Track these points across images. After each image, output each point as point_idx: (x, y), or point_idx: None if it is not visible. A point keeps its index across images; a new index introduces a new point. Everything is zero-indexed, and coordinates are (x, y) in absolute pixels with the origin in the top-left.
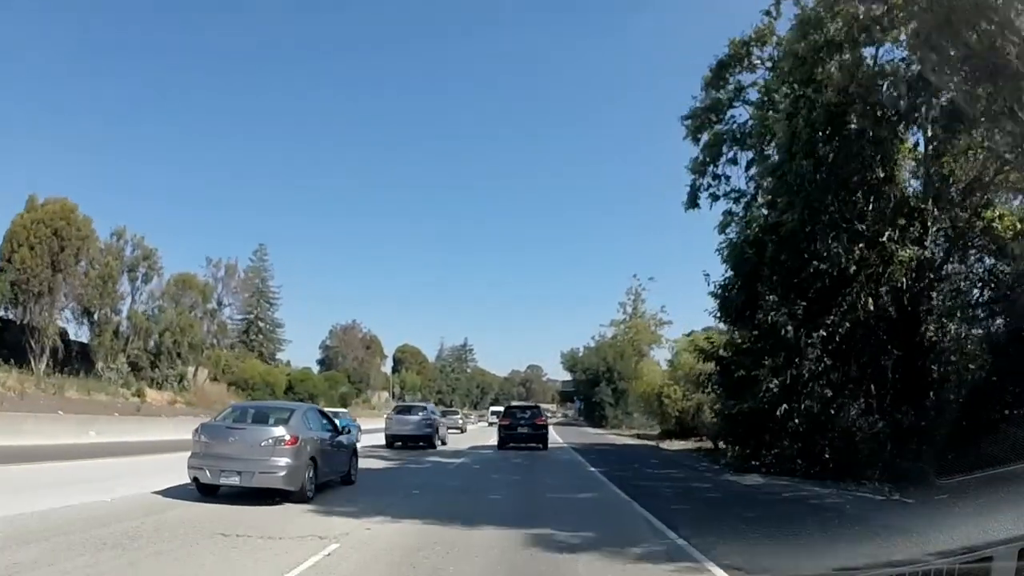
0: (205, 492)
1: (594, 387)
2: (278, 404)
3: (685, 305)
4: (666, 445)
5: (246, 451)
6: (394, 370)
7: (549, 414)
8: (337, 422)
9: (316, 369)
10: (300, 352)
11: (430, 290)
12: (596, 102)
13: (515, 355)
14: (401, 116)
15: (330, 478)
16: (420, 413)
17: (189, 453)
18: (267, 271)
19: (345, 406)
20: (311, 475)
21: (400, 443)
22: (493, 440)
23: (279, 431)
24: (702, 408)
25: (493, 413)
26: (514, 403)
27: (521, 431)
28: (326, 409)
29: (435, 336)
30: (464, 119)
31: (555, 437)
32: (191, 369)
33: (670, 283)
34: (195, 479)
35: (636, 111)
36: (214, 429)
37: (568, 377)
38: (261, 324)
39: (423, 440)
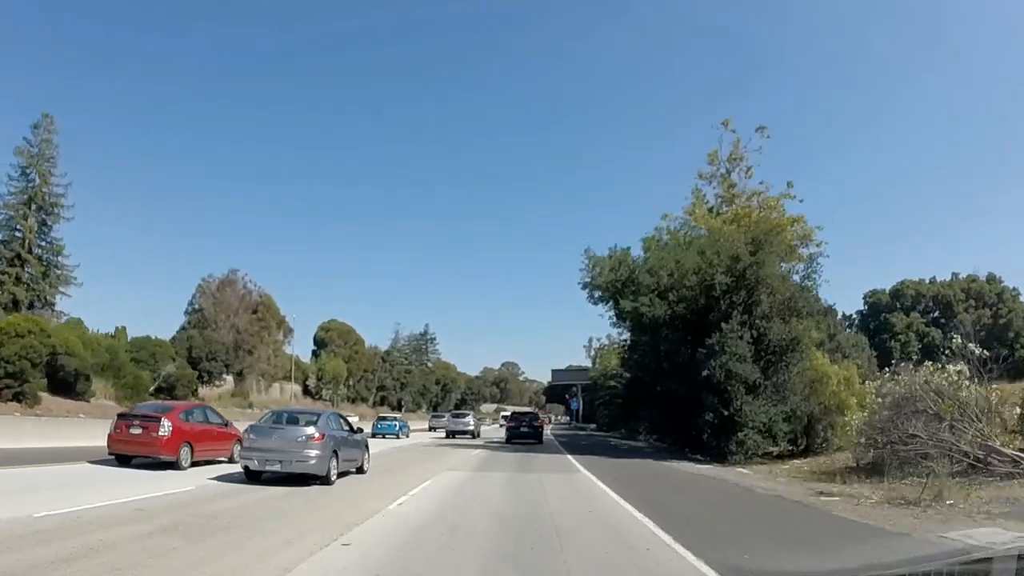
0: (252, 477)
1: (682, 341)
2: (307, 410)
3: None
4: None
5: (285, 445)
6: (315, 353)
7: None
8: (398, 423)
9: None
10: (164, 320)
11: (393, 278)
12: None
13: (490, 355)
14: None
15: (348, 468)
16: (467, 417)
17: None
18: (51, 159)
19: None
20: (334, 464)
21: (452, 436)
22: None
23: (310, 430)
24: None
25: (503, 417)
26: (518, 409)
27: (523, 430)
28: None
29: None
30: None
31: None
32: None
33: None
34: (245, 467)
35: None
36: (260, 429)
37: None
38: (37, 250)
39: (469, 434)
